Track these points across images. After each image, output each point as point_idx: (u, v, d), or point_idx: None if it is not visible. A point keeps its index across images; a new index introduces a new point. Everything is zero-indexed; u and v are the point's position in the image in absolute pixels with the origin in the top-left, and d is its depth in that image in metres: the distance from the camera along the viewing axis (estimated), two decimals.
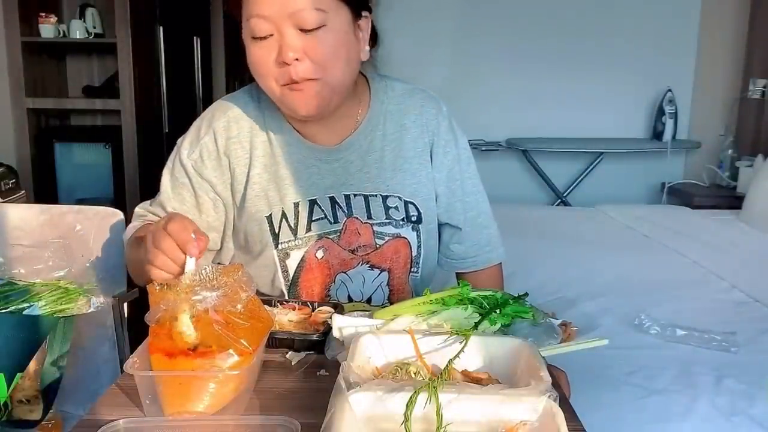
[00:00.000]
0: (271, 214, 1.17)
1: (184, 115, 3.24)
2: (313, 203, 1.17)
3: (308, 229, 1.17)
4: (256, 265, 1.18)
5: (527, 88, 4.02)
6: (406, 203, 1.20)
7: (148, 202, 1.22)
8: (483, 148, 3.90)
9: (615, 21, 3.98)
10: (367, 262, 1.19)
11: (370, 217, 1.19)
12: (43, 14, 3.09)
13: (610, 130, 4.08)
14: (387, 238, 1.19)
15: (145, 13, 3.16)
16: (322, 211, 1.17)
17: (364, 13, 1.11)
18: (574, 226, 2.94)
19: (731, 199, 3.47)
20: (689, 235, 2.76)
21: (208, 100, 3.72)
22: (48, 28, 3.10)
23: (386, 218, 1.19)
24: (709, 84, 4.03)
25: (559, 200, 4.04)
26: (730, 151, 3.75)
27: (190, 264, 0.87)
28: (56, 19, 3.13)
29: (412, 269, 1.22)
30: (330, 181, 1.18)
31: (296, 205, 1.17)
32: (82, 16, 3.17)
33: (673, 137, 3.91)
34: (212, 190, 1.18)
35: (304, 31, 1.03)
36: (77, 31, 3.15)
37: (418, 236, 1.21)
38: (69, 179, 3.38)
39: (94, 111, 3.44)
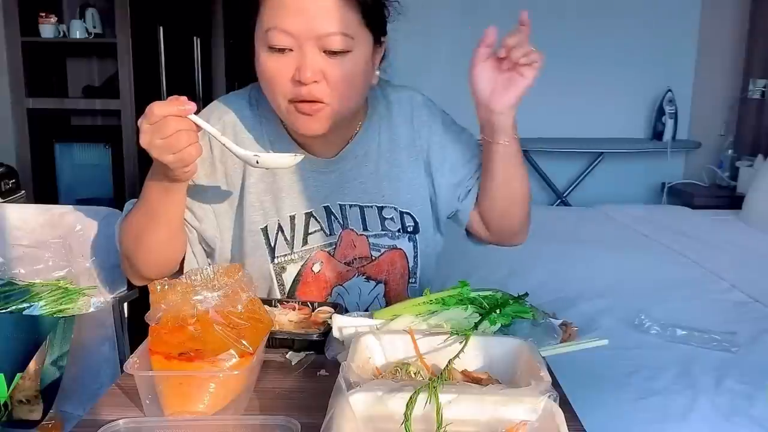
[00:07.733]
0: (266, 227, 1.15)
1: None
2: (309, 216, 1.17)
3: (305, 243, 1.17)
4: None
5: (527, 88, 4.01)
6: (401, 213, 1.20)
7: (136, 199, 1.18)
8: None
9: (615, 21, 3.98)
10: (363, 274, 1.19)
11: (365, 228, 1.18)
12: (43, 14, 3.08)
13: (610, 130, 4.08)
14: (383, 250, 1.19)
15: (145, 13, 3.15)
16: (318, 223, 1.17)
17: (383, 38, 1.10)
18: (574, 226, 2.93)
19: (731, 199, 3.47)
20: (689, 235, 2.76)
21: (208, 100, 3.67)
22: (48, 28, 3.10)
23: (382, 229, 1.19)
24: (709, 84, 4.03)
25: (559, 200, 4.04)
26: (730, 151, 3.75)
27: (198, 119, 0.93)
28: (56, 19, 3.12)
29: (410, 280, 1.22)
30: (326, 192, 1.17)
31: (292, 218, 1.16)
32: (82, 16, 3.16)
33: (673, 137, 3.91)
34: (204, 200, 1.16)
35: (327, 53, 1.01)
36: (77, 31, 3.14)
37: (415, 247, 1.21)
38: (69, 179, 3.37)
39: (94, 111, 3.43)
